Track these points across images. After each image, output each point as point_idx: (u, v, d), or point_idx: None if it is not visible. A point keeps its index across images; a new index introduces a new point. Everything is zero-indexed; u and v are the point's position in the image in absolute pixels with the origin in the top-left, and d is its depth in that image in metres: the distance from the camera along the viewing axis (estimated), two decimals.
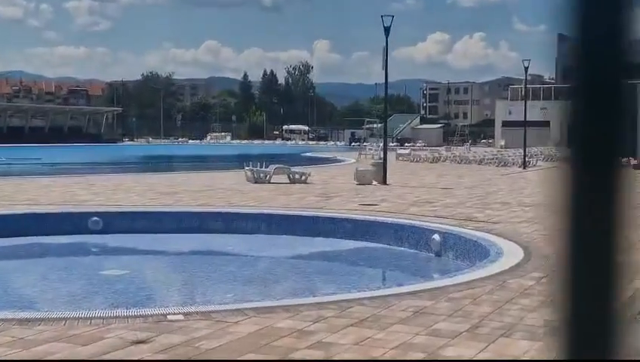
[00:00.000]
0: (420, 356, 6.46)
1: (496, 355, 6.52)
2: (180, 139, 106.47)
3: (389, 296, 8.80)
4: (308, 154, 61.06)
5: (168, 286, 12.98)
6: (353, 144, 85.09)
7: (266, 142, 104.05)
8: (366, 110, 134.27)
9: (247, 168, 26.35)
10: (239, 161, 33.84)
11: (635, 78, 0.98)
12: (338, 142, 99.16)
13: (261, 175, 25.70)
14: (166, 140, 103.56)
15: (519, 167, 39.02)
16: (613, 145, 0.96)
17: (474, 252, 13.04)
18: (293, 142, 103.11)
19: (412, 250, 14.95)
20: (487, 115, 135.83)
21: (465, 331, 7.18)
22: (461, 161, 44.70)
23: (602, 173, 0.97)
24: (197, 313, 7.87)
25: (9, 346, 6.67)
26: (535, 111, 70.42)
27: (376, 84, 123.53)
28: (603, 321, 0.99)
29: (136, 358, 6.39)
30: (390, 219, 16.15)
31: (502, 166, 40.29)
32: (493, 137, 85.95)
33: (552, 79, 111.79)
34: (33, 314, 7.93)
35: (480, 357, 6.47)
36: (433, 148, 60.20)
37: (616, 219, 0.96)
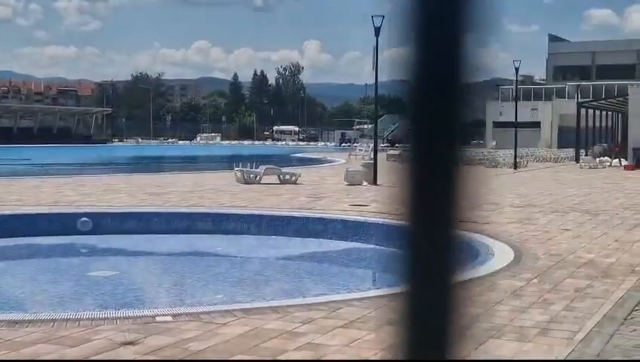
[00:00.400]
0: None
1: (486, 356, 6.50)
2: (169, 140, 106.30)
3: (378, 296, 8.77)
4: (298, 155, 61.01)
5: (157, 288, 12.93)
6: (343, 145, 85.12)
7: (257, 142, 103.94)
8: (356, 111, 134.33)
9: (237, 169, 26.29)
10: (229, 161, 33.79)
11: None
12: (328, 143, 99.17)
13: (251, 176, 25.65)
14: (156, 141, 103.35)
15: (510, 167, 39.07)
16: (449, 142, 1.05)
17: (464, 253, 13.00)
18: (284, 142, 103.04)
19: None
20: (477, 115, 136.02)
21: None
22: None
23: (438, 171, 1.06)
24: (186, 314, 7.83)
25: None
26: (526, 111, 70.66)
27: (366, 84, 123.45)
28: (440, 321, 1.09)
29: (125, 359, 6.35)
30: (380, 220, 16.13)
31: (493, 167, 40.34)
32: (484, 138, 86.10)
33: (543, 80, 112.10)
34: (21, 316, 7.89)
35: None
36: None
37: (449, 215, 1.07)
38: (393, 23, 1.02)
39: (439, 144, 1.05)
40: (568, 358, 6.50)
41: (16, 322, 7.44)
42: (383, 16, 26.07)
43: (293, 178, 25.92)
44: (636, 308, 8.26)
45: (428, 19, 1.02)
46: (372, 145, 31.23)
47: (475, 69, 1.03)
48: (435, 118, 1.04)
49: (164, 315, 7.77)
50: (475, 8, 1.01)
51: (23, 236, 15.98)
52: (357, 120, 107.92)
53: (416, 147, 1.05)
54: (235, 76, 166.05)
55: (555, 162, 47.88)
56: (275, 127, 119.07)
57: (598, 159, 42.11)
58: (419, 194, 1.07)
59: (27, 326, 7.26)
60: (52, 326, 7.31)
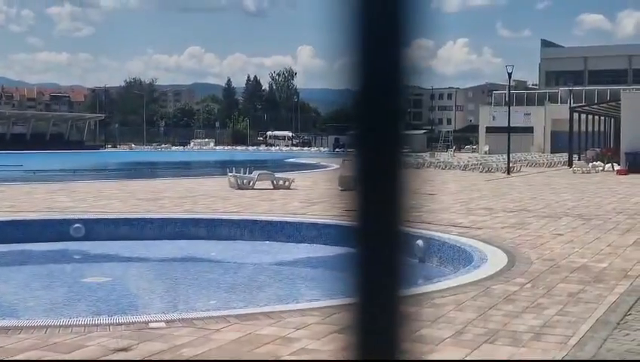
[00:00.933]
0: None
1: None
2: (163, 146, 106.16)
3: None
4: (292, 160, 61.00)
5: (150, 294, 12.90)
6: (337, 150, 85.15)
7: (250, 148, 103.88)
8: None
9: (230, 174, 26.27)
10: (223, 167, 33.71)
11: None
12: (322, 148, 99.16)
13: (245, 181, 25.64)
14: (149, 147, 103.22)
15: (503, 172, 39.12)
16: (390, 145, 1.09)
17: (458, 258, 13.04)
18: (277, 148, 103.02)
19: None
20: (470, 120, 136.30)
21: (448, 337, 7.16)
22: (445, 166, 44.80)
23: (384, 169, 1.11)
24: (179, 320, 7.81)
25: None
26: (519, 116, 70.81)
27: None
28: (389, 327, 1.13)
29: None
30: None
31: (486, 172, 40.40)
32: (477, 143, 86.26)
33: (536, 85, 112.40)
34: (13, 322, 7.85)
35: None
36: (417, 153, 60.28)
37: (394, 216, 1.13)
38: (337, 30, 1.04)
39: (382, 148, 1.09)
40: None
41: (8, 329, 7.41)
42: None
43: (287, 183, 25.91)
44: (629, 312, 8.27)
45: (367, 25, 1.03)
46: None
47: (415, 72, 1.06)
48: (378, 123, 1.07)
49: (157, 321, 7.75)
50: (414, 12, 1.04)
51: (16, 242, 15.94)
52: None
53: (360, 152, 1.09)
54: (229, 81, 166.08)
55: (548, 167, 47.97)
56: (269, 133, 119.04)
57: (590, 164, 42.21)
58: (366, 197, 1.12)
59: (20, 333, 7.24)
60: (45, 332, 7.28)
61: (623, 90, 54.51)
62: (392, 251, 1.11)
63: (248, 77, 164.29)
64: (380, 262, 1.12)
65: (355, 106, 1.05)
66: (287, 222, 16.95)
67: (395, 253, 1.11)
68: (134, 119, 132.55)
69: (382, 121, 1.07)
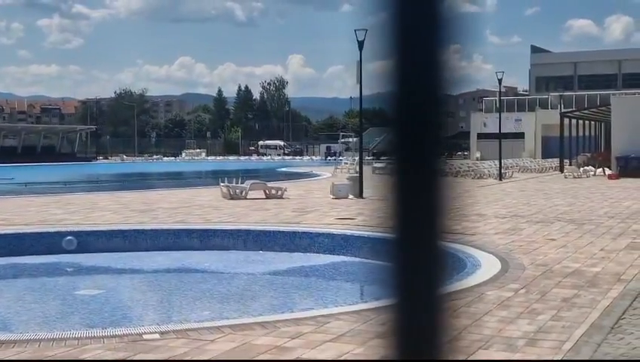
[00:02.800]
0: None
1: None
2: (154, 157, 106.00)
3: (367, 310, 8.76)
4: (284, 169, 60.98)
5: (144, 305, 12.86)
6: (329, 158, 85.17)
7: (242, 158, 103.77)
8: (342, 124, 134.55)
9: (222, 184, 26.24)
10: (215, 177, 33.66)
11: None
12: (314, 157, 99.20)
13: (237, 191, 25.62)
14: (141, 158, 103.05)
15: (495, 178, 39.20)
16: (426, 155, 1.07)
17: (451, 264, 13.03)
18: (269, 157, 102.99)
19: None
20: (462, 127, 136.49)
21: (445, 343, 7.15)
22: None
23: (419, 181, 1.09)
24: (173, 331, 7.79)
25: None
26: (510, 122, 70.95)
27: (351, 97, 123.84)
28: (428, 332, 1.11)
29: None
30: (367, 233, 16.13)
31: (478, 178, 40.46)
32: (468, 149, 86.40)
33: (526, 91, 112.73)
34: (7, 336, 7.82)
35: None
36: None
37: (435, 227, 1.09)
38: (374, 35, 1.03)
39: (422, 156, 1.06)
40: None
41: (2, 343, 7.38)
42: (367, 30, 26.15)
43: (280, 192, 25.90)
44: (623, 316, 8.29)
45: (408, 31, 1.02)
46: (357, 158, 31.27)
47: (455, 80, 1.04)
48: (418, 130, 1.05)
49: (151, 333, 7.73)
50: (455, 20, 1.03)
51: (9, 256, 15.89)
52: (342, 133, 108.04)
53: (399, 159, 1.07)
54: (220, 91, 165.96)
55: (540, 172, 48.07)
56: (261, 142, 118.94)
57: (582, 169, 42.33)
58: (404, 206, 1.09)
59: (13, 347, 7.21)
60: (39, 346, 7.26)
61: (613, 94, 54.76)
62: (431, 255, 1.09)
63: (239, 86, 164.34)
64: (419, 264, 1.11)
65: (392, 112, 1.05)
66: (280, 232, 16.94)
67: (435, 257, 1.09)
68: (125, 130, 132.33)
69: (420, 128, 1.05)
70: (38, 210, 21.89)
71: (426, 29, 1.02)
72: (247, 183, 26.22)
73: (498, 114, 43.79)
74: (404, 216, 1.09)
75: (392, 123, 1.06)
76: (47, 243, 16.49)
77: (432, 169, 1.07)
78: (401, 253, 1.12)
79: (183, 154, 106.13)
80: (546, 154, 65.70)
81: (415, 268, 1.10)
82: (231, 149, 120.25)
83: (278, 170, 59.92)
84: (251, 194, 25.39)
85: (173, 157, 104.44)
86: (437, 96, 1.04)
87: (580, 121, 55.81)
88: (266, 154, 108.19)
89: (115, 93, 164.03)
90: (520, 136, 76.29)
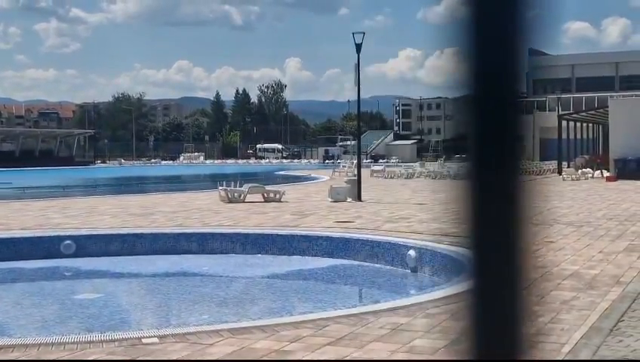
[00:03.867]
0: None
1: None
2: (152, 160, 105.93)
3: (365, 313, 8.76)
4: (282, 172, 60.97)
5: (142, 309, 12.86)
6: (327, 161, 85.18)
7: (240, 161, 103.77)
8: (339, 127, 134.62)
9: (221, 188, 26.24)
10: (213, 180, 33.62)
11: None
12: (312, 160, 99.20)
13: (235, 194, 25.61)
14: (139, 161, 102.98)
15: None
16: (506, 156, 1.06)
17: (450, 267, 13.04)
18: (267, 160, 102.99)
19: (388, 267, 14.93)
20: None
21: (443, 347, 7.16)
22: (435, 176, 44.86)
23: (497, 183, 1.06)
24: (172, 335, 7.79)
25: None
26: None
27: (348, 100, 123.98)
28: (510, 325, 1.09)
29: None
30: (366, 236, 16.13)
31: None
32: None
33: (524, 93, 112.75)
34: (6, 341, 7.81)
35: None
36: (407, 164, 60.44)
37: (515, 227, 1.06)
38: (446, 34, 1.02)
39: (497, 157, 1.04)
40: None
41: (1, 347, 7.38)
42: (364, 33, 26.19)
43: (278, 196, 25.90)
44: (622, 318, 8.29)
45: (483, 30, 1.01)
46: (356, 161, 31.28)
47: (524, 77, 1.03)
48: (492, 130, 1.03)
49: (150, 337, 7.72)
50: (528, 16, 1.01)
51: (7, 260, 15.88)
52: (340, 136, 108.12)
53: (473, 161, 1.05)
54: (217, 95, 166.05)
55: (538, 175, 48.07)
56: (259, 145, 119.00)
57: (580, 171, 42.34)
58: (481, 208, 1.07)
59: (12, 351, 7.20)
60: (38, 350, 7.25)
61: (611, 96, 54.77)
62: (511, 254, 1.07)
63: (237, 90, 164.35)
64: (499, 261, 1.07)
65: (468, 114, 1.03)
66: (278, 235, 16.93)
67: (515, 254, 1.07)
68: (123, 134, 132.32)
69: (498, 130, 1.03)
70: (36, 214, 21.88)
71: (504, 28, 1.01)
72: (246, 187, 26.21)
73: None
74: (482, 220, 1.07)
75: (468, 122, 1.04)
76: (45, 247, 16.48)
77: (513, 170, 1.05)
78: (481, 259, 1.08)
79: (181, 158, 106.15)
80: (543, 157, 65.71)
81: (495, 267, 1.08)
82: (229, 153, 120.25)
83: (277, 173, 59.90)
84: (250, 197, 25.39)
85: (171, 161, 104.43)
86: (515, 93, 1.03)
87: (578, 124, 55.85)
88: (264, 158, 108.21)
89: (112, 97, 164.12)
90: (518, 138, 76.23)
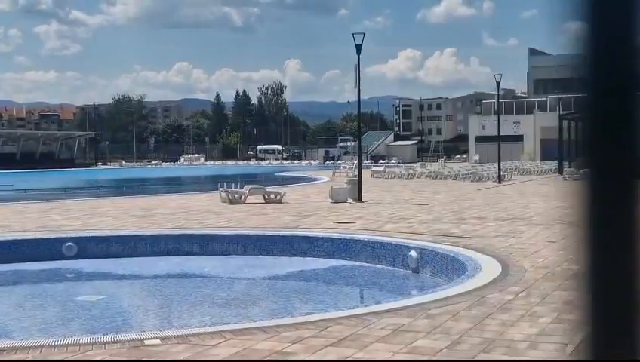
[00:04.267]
0: None
1: None
2: (153, 162, 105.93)
3: (367, 314, 8.76)
4: (282, 173, 60.98)
5: (145, 311, 12.86)
6: (327, 162, 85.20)
7: (241, 162, 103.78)
8: (339, 128, 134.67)
9: (221, 189, 26.25)
10: (214, 182, 33.61)
11: None
12: (312, 161, 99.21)
13: (236, 196, 25.62)
14: (139, 163, 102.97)
15: (494, 181, 39.21)
16: (628, 158, 1.01)
17: (451, 267, 13.04)
18: (268, 162, 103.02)
19: (389, 267, 14.93)
20: (460, 130, 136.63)
21: (444, 348, 7.16)
22: (436, 176, 44.86)
23: (618, 186, 1.02)
24: (174, 337, 7.79)
25: None
26: (508, 125, 71.03)
27: (348, 101, 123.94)
28: (626, 326, 1.05)
29: None
30: (366, 237, 16.13)
31: (477, 181, 40.47)
32: (467, 152, 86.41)
33: (524, 93, 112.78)
34: (8, 343, 7.81)
35: None
36: (407, 164, 60.44)
37: (634, 230, 1.01)
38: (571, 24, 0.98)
39: (621, 155, 0.99)
40: None
41: (3, 349, 7.38)
42: (364, 34, 26.18)
43: (278, 197, 25.91)
44: None
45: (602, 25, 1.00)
46: (356, 162, 31.28)
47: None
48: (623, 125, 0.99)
49: (152, 339, 7.72)
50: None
51: (9, 262, 15.88)
52: (340, 137, 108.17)
53: (597, 160, 1.02)
54: (218, 96, 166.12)
55: (539, 175, 48.09)
56: (259, 147, 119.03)
57: (581, 171, 42.31)
58: (604, 212, 1.03)
59: (15, 353, 7.20)
60: (40, 352, 7.25)
61: None
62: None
63: (237, 92, 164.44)
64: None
65: (589, 109, 1.01)
66: (279, 236, 16.94)
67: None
68: (124, 136, 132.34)
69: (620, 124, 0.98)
70: (37, 216, 21.88)
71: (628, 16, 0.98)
72: (246, 188, 26.22)
73: (497, 117, 43.83)
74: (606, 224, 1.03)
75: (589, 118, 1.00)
76: (47, 249, 16.49)
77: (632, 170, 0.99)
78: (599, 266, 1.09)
79: (182, 160, 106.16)
80: (545, 157, 65.74)
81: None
82: (229, 154, 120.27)
83: (277, 174, 59.91)
84: (250, 198, 25.40)
85: (171, 163, 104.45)
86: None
87: (579, 123, 55.75)
88: (264, 159, 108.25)
89: (113, 99, 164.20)
90: (519, 138, 76.37)
